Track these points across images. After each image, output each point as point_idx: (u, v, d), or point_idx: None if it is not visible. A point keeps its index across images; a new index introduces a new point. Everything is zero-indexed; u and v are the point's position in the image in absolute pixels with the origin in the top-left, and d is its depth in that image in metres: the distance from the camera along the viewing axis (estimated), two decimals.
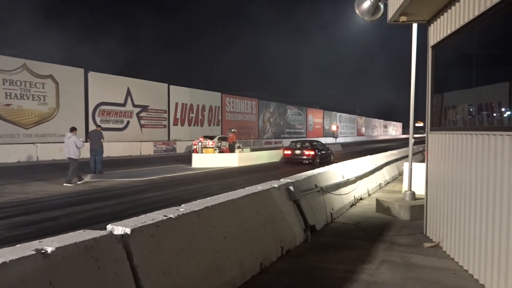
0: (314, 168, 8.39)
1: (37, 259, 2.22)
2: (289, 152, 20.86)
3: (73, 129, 12.79)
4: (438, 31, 5.51)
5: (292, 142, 22.19)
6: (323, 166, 9.12)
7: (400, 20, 5.87)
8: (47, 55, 29.18)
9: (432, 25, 5.77)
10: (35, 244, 2.37)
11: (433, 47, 5.74)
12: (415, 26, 7.34)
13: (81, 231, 2.72)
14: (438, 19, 5.50)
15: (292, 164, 19.85)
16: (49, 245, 2.35)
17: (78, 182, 12.37)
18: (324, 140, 42.64)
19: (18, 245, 2.36)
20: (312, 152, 20.07)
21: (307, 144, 21.07)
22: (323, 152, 21.13)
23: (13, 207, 8.51)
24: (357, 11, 7.17)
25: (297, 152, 20.44)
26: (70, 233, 2.66)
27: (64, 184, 11.91)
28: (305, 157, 20.03)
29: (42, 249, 2.29)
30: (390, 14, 6.04)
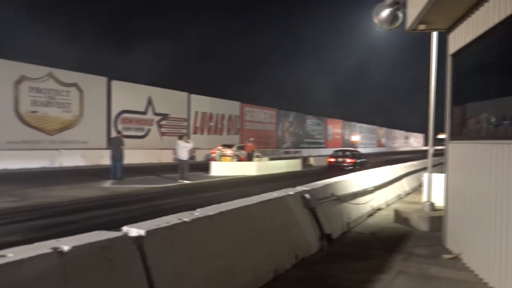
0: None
1: (53, 257, 2.27)
2: (332, 159, 23.59)
3: (181, 137, 15.97)
4: (458, 40, 5.44)
5: (334, 151, 25.39)
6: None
7: (419, 29, 5.83)
8: (72, 62, 29.91)
9: (451, 33, 5.71)
10: (52, 243, 2.42)
11: (453, 55, 5.67)
12: (435, 34, 7.28)
13: (96, 232, 2.77)
14: (458, 27, 5.44)
15: (332, 170, 21.24)
16: (65, 244, 2.41)
17: (184, 182, 14.84)
18: None
19: (36, 244, 2.42)
20: (352, 160, 22.72)
21: (347, 153, 24.23)
22: (361, 160, 23.58)
23: (35, 210, 8.73)
24: (375, 20, 7.15)
25: (340, 159, 23.15)
26: (86, 233, 2.72)
27: (182, 182, 14.74)
28: (345, 164, 22.47)
29: (58, 248, 2.34)
30: (408, 23, 6.01)
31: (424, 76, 8.35)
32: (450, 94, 5.78)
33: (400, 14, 6.89)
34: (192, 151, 15.58)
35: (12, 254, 2.14)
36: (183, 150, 15.18)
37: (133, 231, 2.92)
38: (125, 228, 2.96)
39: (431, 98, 7.84)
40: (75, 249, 2.39)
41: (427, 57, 7.81)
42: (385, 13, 7.01)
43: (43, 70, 22.69)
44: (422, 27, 5.76)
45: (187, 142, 15.59)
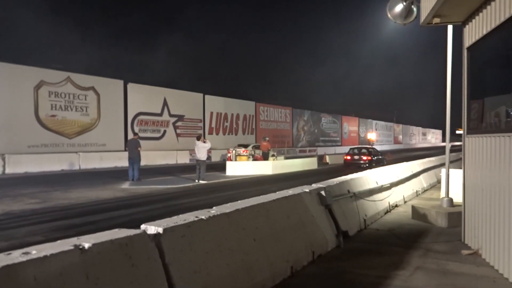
0: None
1: (75, 254, 2.34)
2: (349, 157, 23.68)
3: (199, 137, 15.83)
4: (474, 32, 5.36)
5: (351, 148, 25.28)
6: None
7: (434, 22, 5.76)
8: (88, 66, 30.46)
9: (467, 26, 5.62)
10: (74, 241, 2.49)
11: (469, 48, 5.59)
12: (450, 27, 7.17)
13: (116, 229, 2.84)
14: (473, 20, 5.36)
15: (349, 168, 21.00)
16: (87, 241, 2.48)
17: (201, 182, 14.95)
18: None
19: (58, 241, 2.49)
20: (369, 157, 22.76)
21: (364, 150, 24.29)
22: (377, 157, 23.58)
23: (56, 211, 8.93)
24: (389, 15, 7.09)
25: (356, 157, 23.27)
26: (106, 231, 2.79)
27: (199, 182, 14.87)
28: (362, 161, 22.58)
29: (80, 245, 2.41)
30: (423, 16, 5.95)
31: (441, 71, 8.24)
32: (467, 88, 5.70)
33: (414, 8, 6.83)
34: (208, 151, 15.66)
35: (36, 251, 2.21)
36: (202, 150, 15.29)
37: (152, 228, 2.98)
38: (143, 226, 3.02)
39: (448, 93, 7.74)
40: (95, 246, 2.46)
41: (442, 51, 7.71)
42: (399, 7, 6.96)
43: (61, 74, 23.13)
44: (437, 20, 5.70)
45: (205, 142, 15.71)
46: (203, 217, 3.40)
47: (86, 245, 2.42)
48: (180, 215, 3.43)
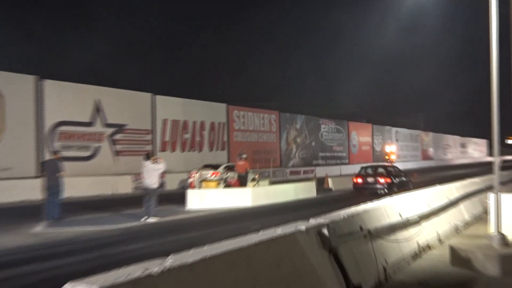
0: None
1: None
2: (360, 179, 23.88)
3: (148, 156, 16.38)
4: None
5: (362, 168, 25.78)
6: None
7: None
8: None
9: None
10: None
11: None
12: None
13: None
14: None
15: (360, 195, 21.23)
16: None
17: (151, 220, 14.81)
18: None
19: None
20: (387, 179, 22.90)
21: (380, 170, 24.64)
22: (400, 179, 23.89)
23: None
24: None
25: (370, 179, 23.46)
26: None
27: (149, 220, 14.66)
28: (379, 186, 22.69)
29: None
30: None
31: (483, 59, 8.41)
32: None
33: None
34: (162, 175, 15.50)
35: None
36: (152, 174, 15.13)
37: None
38: (68, 286, 2.96)
39: (494, 89, 7.91)
40: None
41: (484, 30, 7.88)
42: None
43: None
44: None
45: (156, 162, 15.56)
46: (155, 270, 3.36)
47: None
48: (122, 269, 3.38)
